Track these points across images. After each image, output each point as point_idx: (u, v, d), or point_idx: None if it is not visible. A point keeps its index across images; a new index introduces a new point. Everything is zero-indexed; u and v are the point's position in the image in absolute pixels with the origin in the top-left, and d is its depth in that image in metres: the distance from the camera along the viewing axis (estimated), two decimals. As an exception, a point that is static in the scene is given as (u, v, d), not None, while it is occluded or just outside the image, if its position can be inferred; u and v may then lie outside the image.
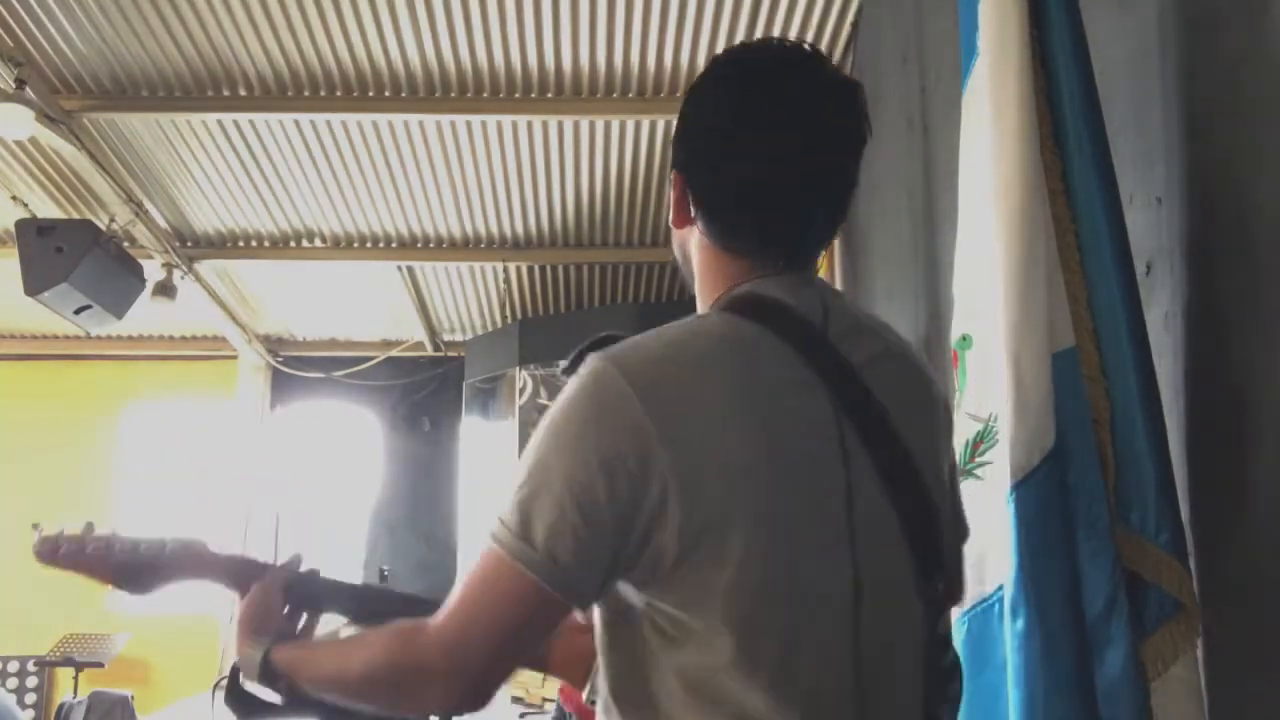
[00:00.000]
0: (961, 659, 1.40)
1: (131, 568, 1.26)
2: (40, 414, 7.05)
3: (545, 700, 3.75)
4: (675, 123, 1.12)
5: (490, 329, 6.62)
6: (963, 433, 1.44)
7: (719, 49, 4.22)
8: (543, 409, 5.94)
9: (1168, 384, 1.38)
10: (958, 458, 1.44)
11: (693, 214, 1.08)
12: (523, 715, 3.74)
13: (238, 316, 6.49)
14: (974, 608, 1.39)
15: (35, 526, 1.32)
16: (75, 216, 5.02)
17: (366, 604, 1.34)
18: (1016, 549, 1.28)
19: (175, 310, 5.55)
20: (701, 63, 4.15)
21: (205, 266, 5.75)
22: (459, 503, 6.70)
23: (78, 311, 4.63)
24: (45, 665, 6.51)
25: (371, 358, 6.90)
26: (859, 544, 1.00)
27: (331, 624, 1.33)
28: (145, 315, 5.49)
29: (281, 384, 7.07)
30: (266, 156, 4.84)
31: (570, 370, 3.34)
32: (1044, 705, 1.24)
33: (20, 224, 4.50)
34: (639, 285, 6.21)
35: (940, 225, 2.78)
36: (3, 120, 3.88)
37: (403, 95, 4.37)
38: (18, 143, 4.49)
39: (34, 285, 4.40)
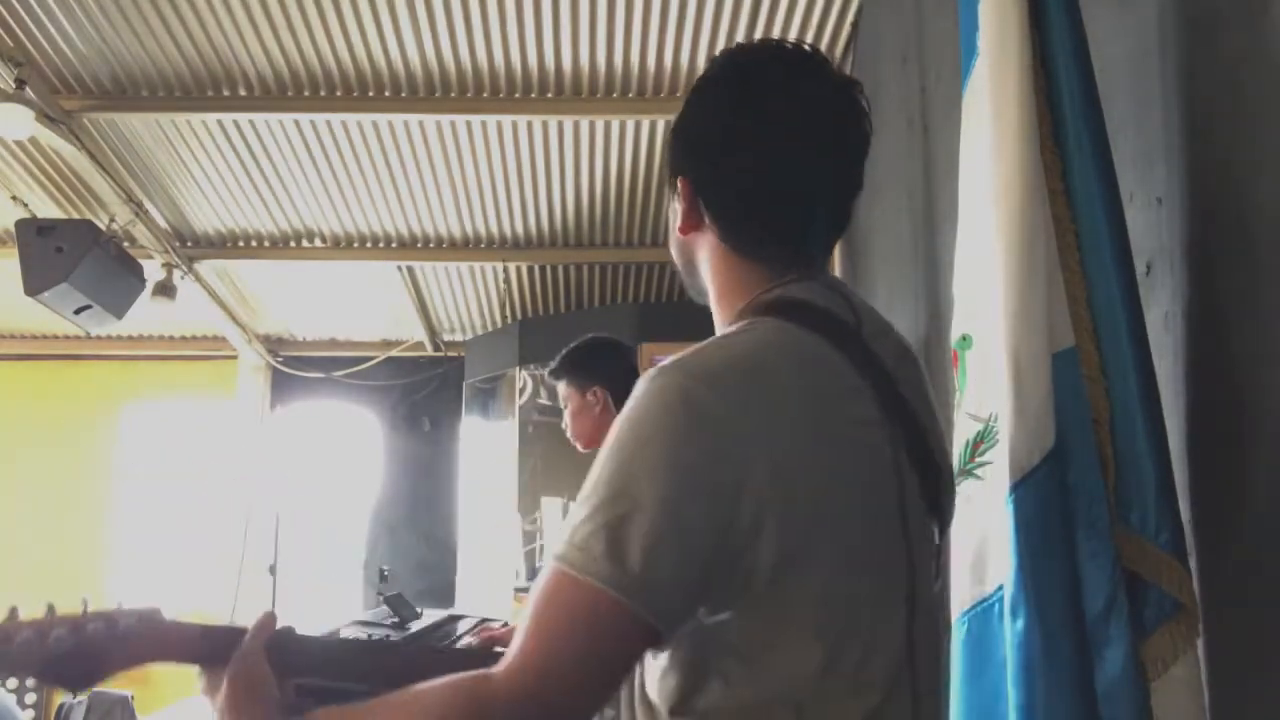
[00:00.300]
0: (961, 659, 1.40)
1: (67, 660, 1.04)
2: (40, 414, 7.05)
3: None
4: (675, 128, 1.10)
5: (490, 329, 6.62)
6: (963, 433, 1.44)
7: (719, 49, 4.22)
8: (543, 409, 5.94)
9: (1168, 384, 1.38)
10: (957, 458, 1.44)
11: (705, 219, 1.07)
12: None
13: (238, 316, 6.49)
14: (974, 608, 1.39)
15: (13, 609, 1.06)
16: (75, 216, 5.02)
17: (358, 664, 1.20)
18: (1016, 549, 1.28)
19: (175, 310, 5.55)
20: (702, 63, 4.17)
21: (205, 266, 5.75)
22: (459, 503, 6.71)
23: (78, 311, 4.63)
24: (45, 665, 6.51)
25: (371, 358, 6.90)
26: (912, 548, 1.02)
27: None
28: (145, 315, 5.49)
29: (281, 384, 7.07)
30: (266, 156, 4.84)
31: (559, 374, 3.25)
32: (1044, 705, 1.24)
33: (20, 224, 4.50)
34: (639, 285, 6.21)
35: (940, 225, 2.78)
36: (3, 120, 3.88)
37: (403, 95, 4.37)
38: (18, 143, 4.49)
39: (34, 285, 4.40)
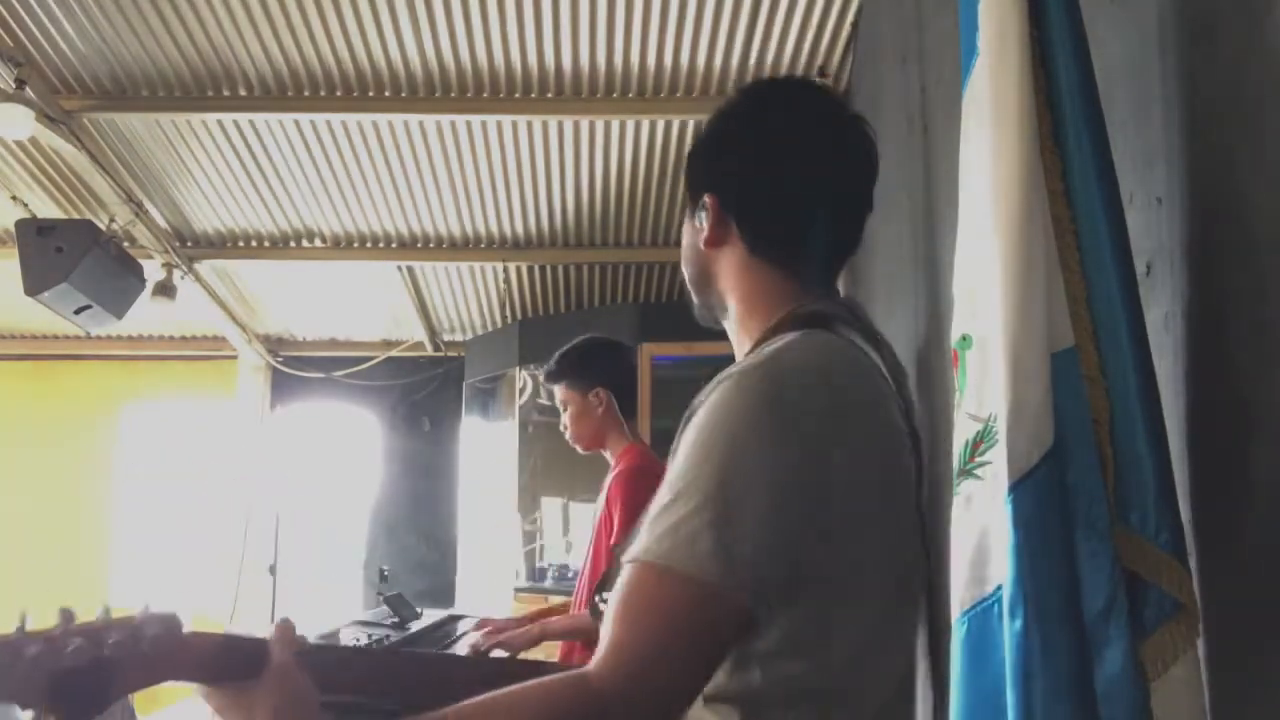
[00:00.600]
0: (961, 659, 1.40)
1: (79, 678, 0.88)
2: (40, 414, 7.06)
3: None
4: (700, 150, 1.17)
5: (490, 329, 6.63)
6: (963, 433, 1.43)
7: (719, 49, 4.26)
8: (543, 409, 5.95)
9: (1168, 384, 1.38)
10: (957, 457, 1.44)
11: (734, 233, 1.13)
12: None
13: (238, 316, 6.50)
14: (973, 608, 1.38)
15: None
16: (75, 216, 5.02)
17: (389, 673, 1.13)
18: (1015, 549, 1.28)
19: (175, 310, 5.56)
20: (702, 63, 4.18)
21: (205, 266, 5.75)
22: (459, 503, 6.71)
23: (78, 311, 4.64)
24: (45, 665, 6.50)
25: (371, 358, 6.91)
26: (926, 550, 1.14)
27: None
28: (145, 315, 5.49)
29: (281, 384, 7.07)
30: (266, 156, 4.84)
31: (558, 377, 3.28)
32: (1043, 706, 1.24)
33: (20, 224, 4.50)
34: (639, 285, 6.21)
35: (940, 225, 2.78)
36: (3, 120, 3.88)
37: (403, 95, 4.37)
38: (18, 143, 4.49)
39: (34, 285, 4.40)
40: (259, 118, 4.53)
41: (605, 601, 1.23)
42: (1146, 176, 1.50)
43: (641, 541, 0.96)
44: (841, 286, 1.45)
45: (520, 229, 5.54)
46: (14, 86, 3.86)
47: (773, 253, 1.14)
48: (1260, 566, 1.23)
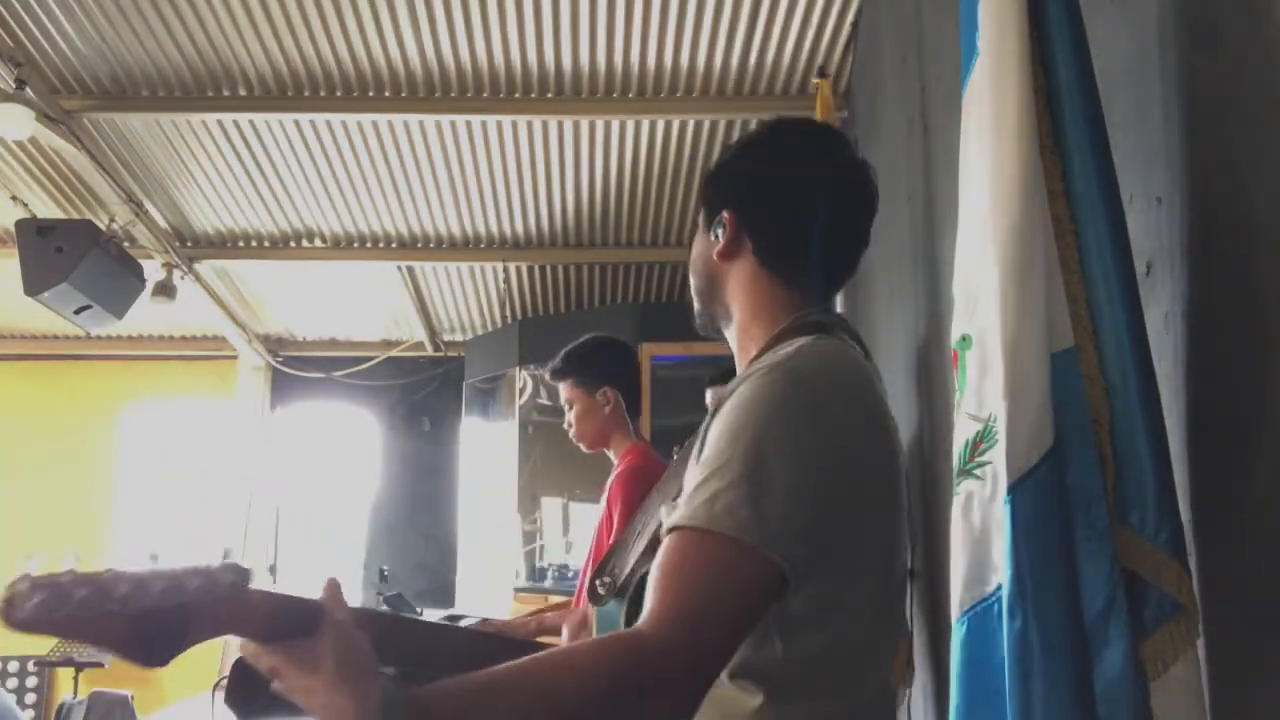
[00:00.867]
0: (960, 659, 1.40)
1: (158, 621, 0.86)
2: (40, 414, 7.06)
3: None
4: (719, 171, 1.31)
5: (490, 329, 6.63)
6: (962, 433, 1.43)
7: (719, 49, 4.26)
8: (543, 409, 5.95)
9: (1168, 384, 1.38)
10: (957, 457, 1.44)
11: (748, 247, 1.26)
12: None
13: (238, 316, 6.50)
14: (973, 608, 1.38)
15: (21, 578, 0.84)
16: (75, 216, 5.03)
17: (444, 643, 1.13)
18: (1014, 549, 1.28)
19: (175, 310, 5.56)
20: (702, 63, 4.18)
21: (205, 266, 5.75)
22: (459, 503, 6.71)
23: (78, 311, 4.64)
24: (45, 665, 6.51)
25: (371, 358, 6.91)
26: (913, 536, 1.30)
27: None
28: (145, 315, 5.50)
29: (281, 384, 7.08)
30: (266, 156, 4.85)
31: (564, 374, 3.33)
32: (1042, 705, 1.24)
33: (20, 224, 4.50)
34: (639, 285, 6.22)
35: (940, 225, 2.78)
36: (3, 120, 3.89)
37: (403, 95, 4.37)
38: (18, 143, 4.49)
39: (34, 285, 4.40)
40: (259, 118, 4.53)
41: (603, 585, 1.25)
42: (1146, 176, 1.50)
43: (681, 513, 1.04)
44: (842, 288, 1.47)
45: (520, 229, 5.54)
46: (14, 86, 3.86)
47: (781, 267, 1.26)
48: (1260, 566, 1.23)
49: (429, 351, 6.95)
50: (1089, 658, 1.26)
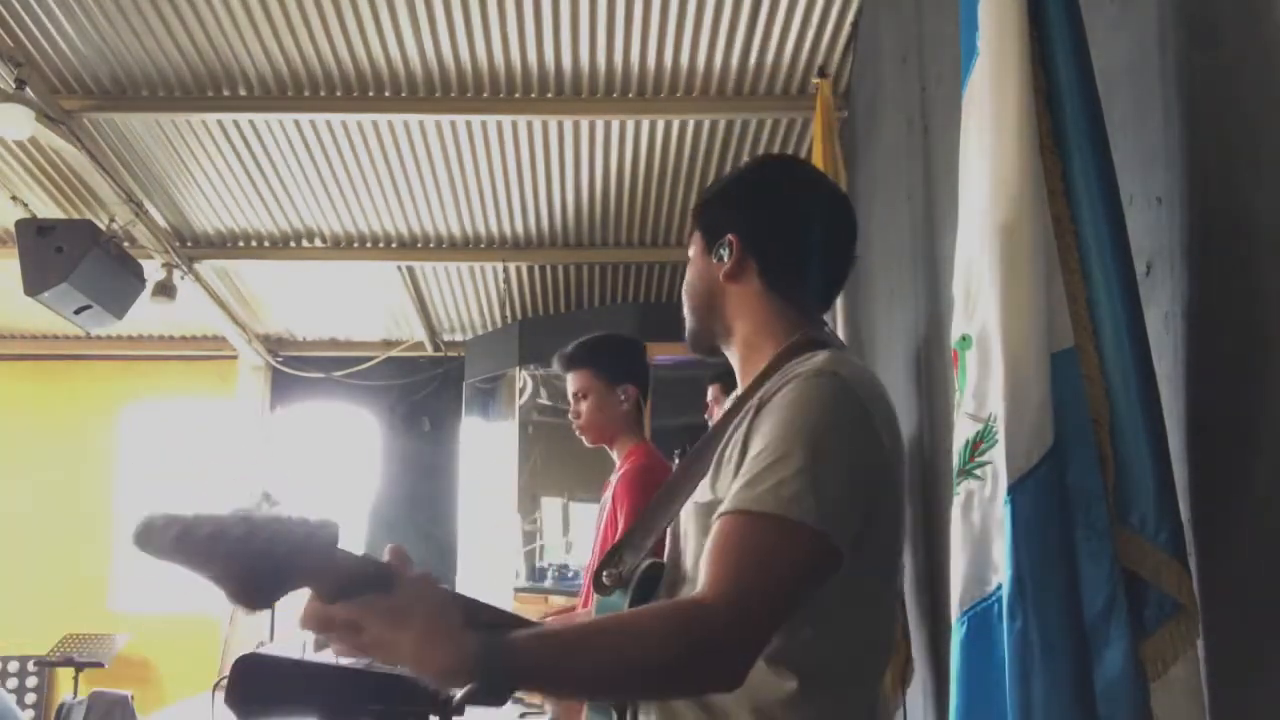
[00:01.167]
0: (961, 659, 1.40)
1: (272, 560, 0.89)
2: (40, 414, 7.06)
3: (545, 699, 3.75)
4: (722, 198, 1.40)
5: (490, 329, 6.62)
6: (962, 433, 1.44)
7: (719, 49, 4.26)
8: (543, 409, 5.94)
9: (1168, 384, 1.38)
10: (957, 457, 1.44)
11: (752, 268, 1.34)
12: (523, 715, 3.74)
13: (238, 316, 6.50)
14: (973, 607, 1.38)
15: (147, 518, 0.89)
16: (75, 216, 5.02)
17: (487, 616, 1.14)
18: (1014, 549, 1.28)
19: (175, 310, 5.56)
20: (702, 63, 4.18)
21: (205, 266, 5.75)
22: (459, 503, 6.71)
23: (78, 311, 4.64)
24: (45, 665, 6.52)
25: (371, 358, 6.90)
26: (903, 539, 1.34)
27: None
28: (145, 315, 5.50)
29: (281, 384, 7.07)
30: (266, 156, 4.84)
31: (583, 363, 3.38)
32: (1042, 705, 1.24)
33: (20, 224, 4.50)
34: (639, 285, 6.21)
35: (940, 225, 2.78)
36: (3, 120, 3.89)
37: (403, 95, 4.37)
38: (18, 143, 4.49)
39: (34, 285, 4.40)
40: (259, 118, 4.53)
41: (610, 576, 1.27)
42: (1146, 176, 1.50)
43: (741, 498, 1.12)
44: (842, 289, 1.49)
45: (520, 229, 5.54)
46: (14, 86, 3.86)
47: (784, 287, 1.34)
48: (1260, 566, 1.23)
49: (429, 351, 6.94)
50: (1089, 657, 1.26)
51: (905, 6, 3.24)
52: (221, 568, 0.89)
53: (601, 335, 2.96)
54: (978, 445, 1.39)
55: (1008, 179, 1.37)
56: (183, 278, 5.49)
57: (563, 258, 5.80)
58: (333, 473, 7.23)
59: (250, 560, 0.89)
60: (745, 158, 4.84)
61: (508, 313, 6.39)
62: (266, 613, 5.22)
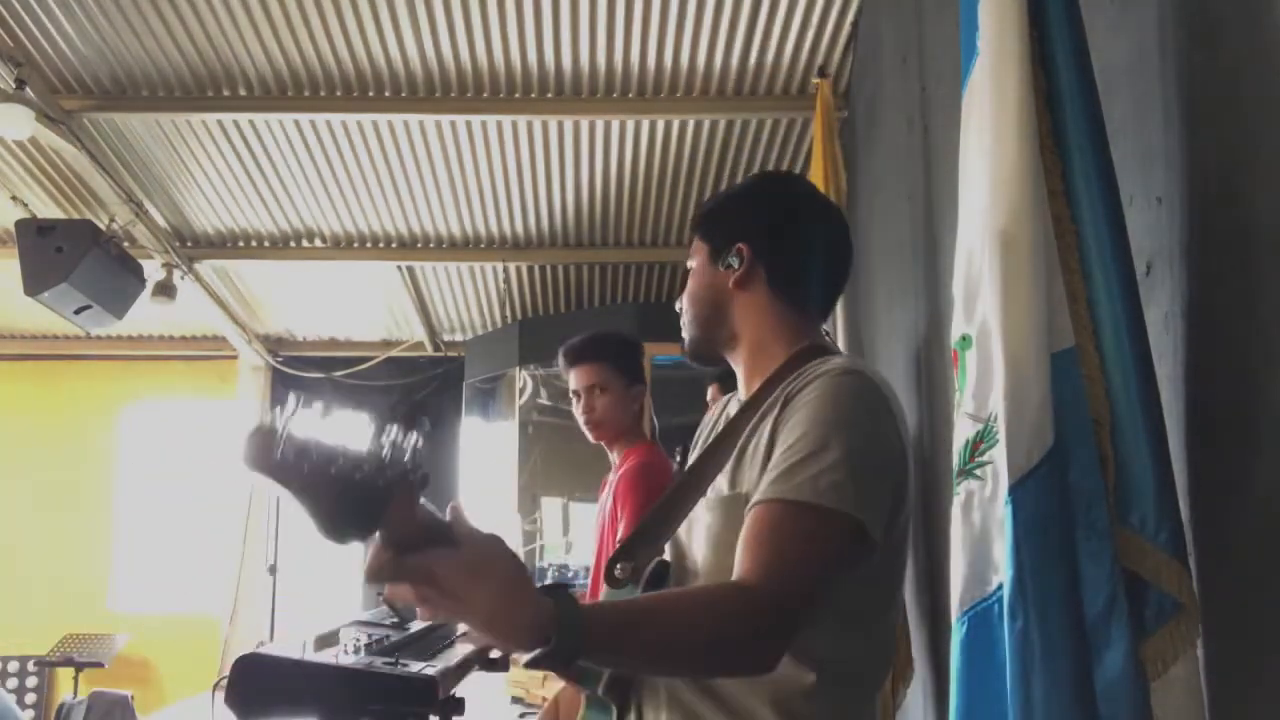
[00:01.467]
0: (961, 659, 1.40)
1: (351, 501, 0.87)
2: (40, 414, 7.06)
3: (545, 700, 3.76)
4: (731, 209, 1.45)
5: (490, 329, 6.62)
6: (962, 433, 1.44)
7: (719, 49, 4.26)
8: (543, 409, 5.94)
9: (1168, 384, 1.38)
10: (957, 457, 1.44)
11: (761, 277, 1.37)
12: (522, 716, 3.74)
13: (238, 316, 6.50)
14: (973, 607, 1.39)
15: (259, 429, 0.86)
16: (75, 216, 5.02)
17: None
18: (1015, 549, 1.28)
19: (175, 310, 5.56)
20: (702, 63, 4.18)
21: (205, 266, 5.75)
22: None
23: (78, 311, 4.64)
24: (45, 665, 6.52)
25: (371, 358, 6.90)
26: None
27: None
28: (145, 315, 5.50)
29: (281, 384, 7.07)
30: (266, 156, 4.84)
31: (603, 356, 3.44)
32: (1043, 705, 1.24)
33: (20, 224, 4.50)
34: (639, 285, 6.21)
35: (940, 225, 2.78)
36: (3, 120, 3.89)
37: (403, 95, 4.37)
38: (18, 143, 4.49)
39: (34, 285, 4.40)
40: (259, 118, 4.53)
41: (623, 570, 1.28)
42: (1146, 176, 1.50)
43: (779, 488, 1.15)
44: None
45: (520, 229, 5.54)
46: (14, 86, 3.86)
47: (791, 294, 1.38)
48: (1260, 566, 1.23)
49: (429, 351, 6.94)
50: (1090, 657, 1.26)
51: (905, 6, 3.24)
52: (322, 495, 0.86)
53: (612, 331, 2.95)
54: (978, 445, 1.39)
55: (1008, 179, 1.37)
56: (183, 278, 5.49)
57: (563, 258, 5.80)
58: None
59: (343, 491, 0.86)
60: (745, 158, 4.85)
61: (508, 313, 6.39)
62: (266, 615, 5.21)
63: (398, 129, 4.62)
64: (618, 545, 1.34)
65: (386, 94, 4.37)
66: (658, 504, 1.35)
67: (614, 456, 2.89)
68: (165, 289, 5.31)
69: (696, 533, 1.30)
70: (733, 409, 1.43)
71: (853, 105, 4.25)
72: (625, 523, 2.64)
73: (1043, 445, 1.29)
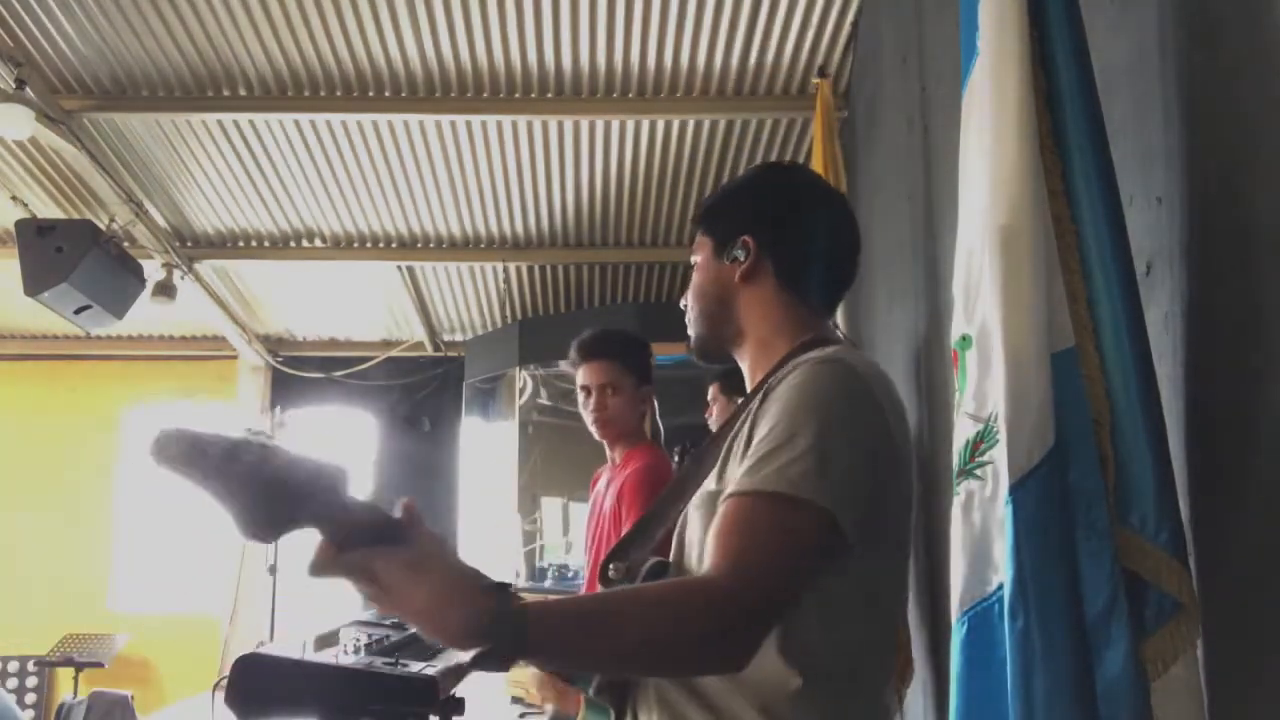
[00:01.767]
0: (961, 659, 1.40)
1: (266, 497, 0.89)
2: (40, 414, 7.06)
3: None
4: (736, 200, 1.42)
5: (490, 329, 6.62)
6: (962, 433, 1.44)
7: (719, 49, 4.26)
8: (543, 409, 5.94)
9: (1168, 384, 1.38)
10: (957, 457, 1.44)
11: (769, 269, 1.34)
12: (523, 715, 3.74)
13: (238, 316, 6.50)
14: (974, 607, 1.39)
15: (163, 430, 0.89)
16: (75, 216, 5.02)
17: None
18: (1015, 549, 1.28)
19: (175, 310, 5.55)
20: (702, 63, 4.18)
21: (205, 266, 5.75)
22: (459, 503, 6.70)
23: (78, 311, 4.63)
24: (45, 665, 6.52)
25: (371, 358, 6.90)
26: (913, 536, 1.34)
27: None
28: (145, 315, 5.49)
29: (281, 384, 7.07)
30: (266, 156, 4.84)
31: (613, 353, 3.41)
32: (1043, 706, 1.24)
33: (20, 224, 4.50)
34: (639, 285, 6.21)
35: (940, 225, 2.78)
36: (3, 120, 3.89)
37: (403, 95, 4.37)
38: (18, 143, 4.49)
39: (34, 285, 4.40)
40: (259, 118, 4.53)
41: (616, 570, 1.28)
42: (1146, 176, 1.50)
43: (748, 480, 1.12)
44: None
45: (520, 229, 5.54)
46: (14, 86, 3.86)
47: (798, 287, 1.35)
48: (1260, 566, 1.23)
49: (429, 351, 6.94)
50: (1090, 657, 1.26)
51: (905, 6, 3.24)
52: (232, 487, 0.89)
53: (624, 330, 2.94)
54: (978, 445, 1.40)
55: (1008, 179, 1.37)
56: (183, 278, 5.49)
57: (563, 258, 5.80)
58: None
59: (262, 486, 0.89)
60: (745, 158, 4.85)
61: (508, 313, 6.39)
62: (266, 615, 5.21)
63: (398, 129, 4.62)
64: (613, 547, 1.34)
65: (386, 94, 4.37)
66: (653, 505, 1.35)
67: (615, 455, 2.88)
68: (165, 289, 5.31)
69: (688, 531, 1.29)
70: None
71: (853, 105, 4.25)
72: (629, 524, 2.64)
73: (1043, 445, 1.29)
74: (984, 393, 1.39)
